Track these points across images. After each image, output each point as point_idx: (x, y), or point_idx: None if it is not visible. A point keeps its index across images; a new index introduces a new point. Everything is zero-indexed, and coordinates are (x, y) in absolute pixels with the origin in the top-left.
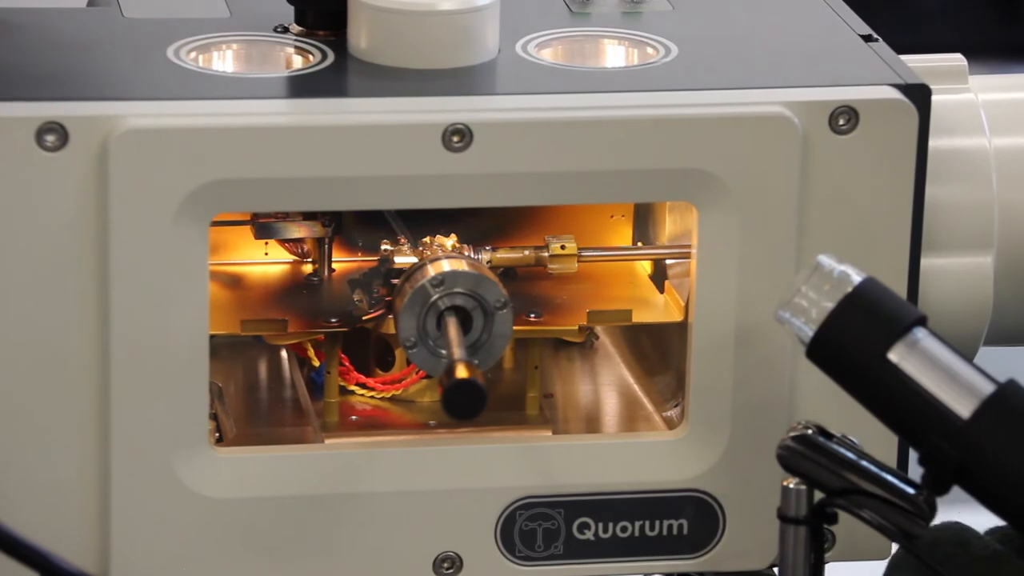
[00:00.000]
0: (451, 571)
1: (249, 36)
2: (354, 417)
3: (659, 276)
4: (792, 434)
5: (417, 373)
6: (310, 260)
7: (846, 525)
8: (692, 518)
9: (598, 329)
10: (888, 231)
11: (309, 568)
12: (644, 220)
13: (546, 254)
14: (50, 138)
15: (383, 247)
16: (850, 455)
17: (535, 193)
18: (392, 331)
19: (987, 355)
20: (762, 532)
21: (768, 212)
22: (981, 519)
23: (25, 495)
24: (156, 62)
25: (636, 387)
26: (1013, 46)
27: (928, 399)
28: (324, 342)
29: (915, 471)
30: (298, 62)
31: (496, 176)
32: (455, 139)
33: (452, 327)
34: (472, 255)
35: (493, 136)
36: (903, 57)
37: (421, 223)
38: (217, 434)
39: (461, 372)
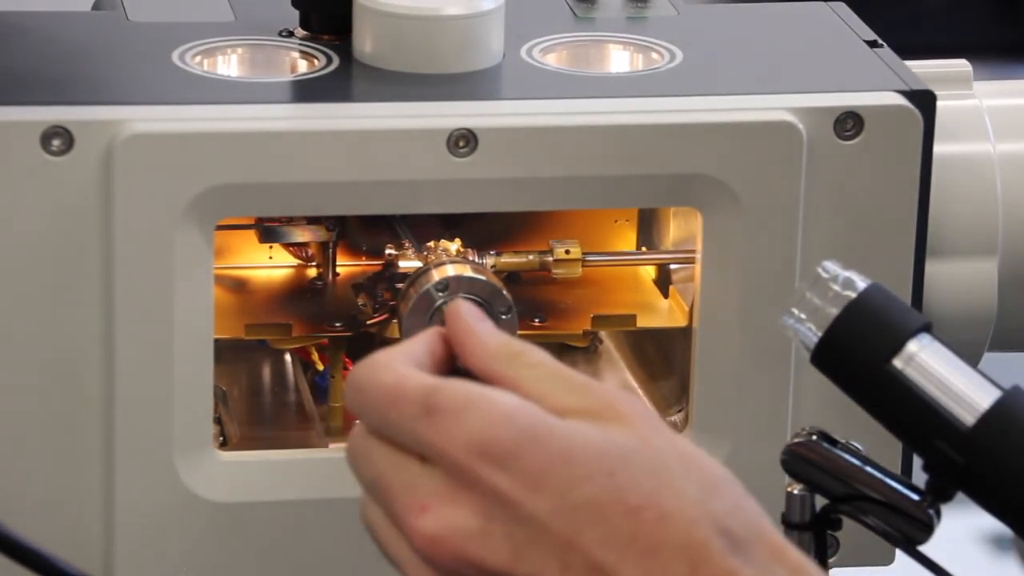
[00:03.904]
0: None
1: (254, 40)
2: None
3: (663, 281)
4: (796, 440)
5: None
6: (314, 264)
7: (850, 531)
8: None
9: (602, 334)
10: (892, 237)
11: (312, 572)
12: (648, 225)
13: (550, 259)
14: (55, 142)
15: (387, 251)
16: (854, 461)
17: (540, 198)
18: (396, 335)
19: (991, 361)
20: None
21: (773, 218)
22: (983, 521)
23: (29, 498)
24: (161, 66)
25: (640, 392)
26: (1015, 46)
27: (932, 405)
28: (328, 346)
29: (919, 477)
30: (303, 66)
31: (501, 181)
32: (460, 144)
33: None
34: (476, 260)
35: (498, 141)
36: (908, 63)
37: (425, 227)
38: (221, 438)
39: None
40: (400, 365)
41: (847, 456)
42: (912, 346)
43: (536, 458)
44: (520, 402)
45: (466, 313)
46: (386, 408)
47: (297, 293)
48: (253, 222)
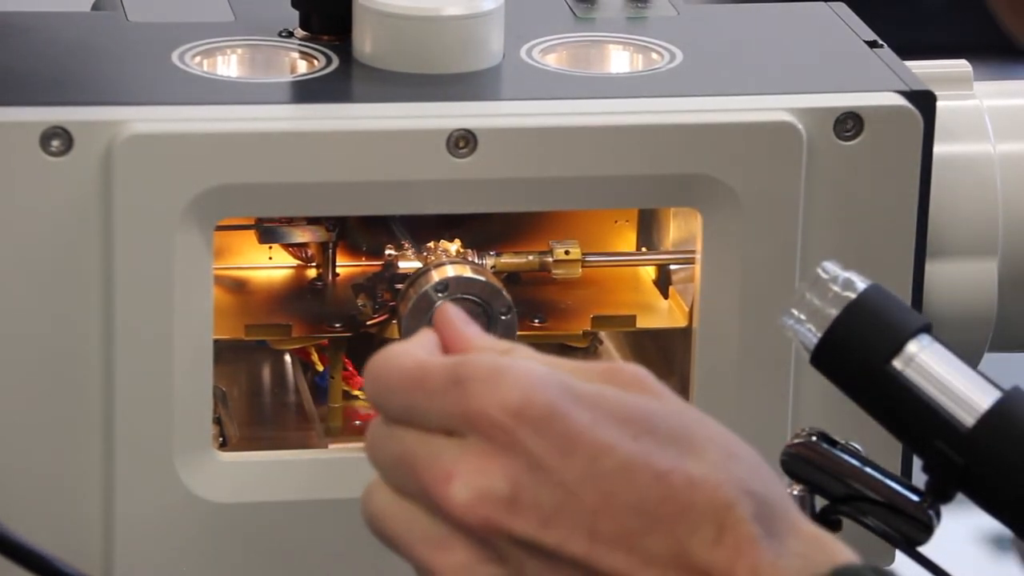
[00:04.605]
0: None
1: (253, 41)
2: (358, 422)
3: (663, 281)
4: (796, 440)
5: None
6: (314, 265)
7: (850, 531)
8: None
9: (602, 334)
10: (893, 237)
11: (312, 572)
12: (648, 225)
13: (550, 259)
14: (55, 143)
15: (387, 252)
16: (854, 462)
17: (539, 198)
18: (396, 336)
19: (991, 361)
20: None
21: (773, 218)
22: (983, 521)
23: (29, 499)
24: (160, 66)
25: None
26: (1015, 46)
27: (932, 406)
28: (328, 347)
29: (919, 478)
30: (302, 67)
31: (500, 181)
32: (460, 144)
33: None
34: (476, 260)
35: (498, 141)
36: (908, 63)
37: (425, 228)
38: (221, 439)
39: None
40: (417, 351)
41: (847, 457)
42: (912, 347)
43: (568, 422)
44: (549, 369)
45: (454, 316)
46: (411, 390)
47: (297, 294)
48: (253, 223)
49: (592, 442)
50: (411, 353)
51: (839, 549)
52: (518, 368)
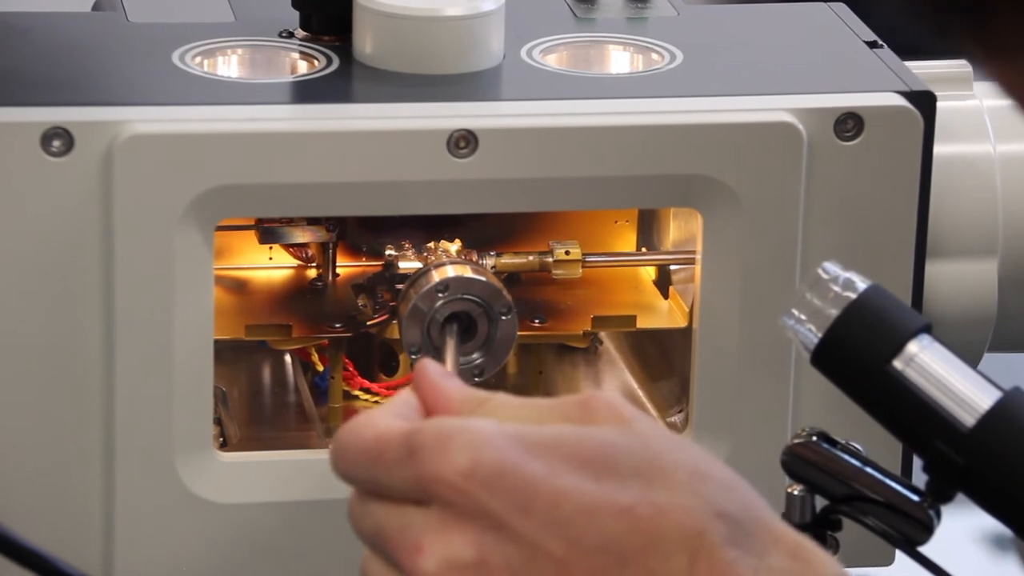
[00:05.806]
0: None
1: (254, 41)
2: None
3: (663, 282)
4: (796, 440)
5: None
6: (314, 265)
7: (850, 532)
8: None
9: (602, 334)
10: (893, 238)
11: (312, 573)
12: (648, 225)
13: (550, 259)
14: (56, 143)
15: (387, 252)
16: (854, 462)
17: (540, 199)
18: (396, 336)
19: (991, 361)
20: None
21: (773, 218)
22: (983, 521)
23: (29, 499)
24: (161, 67)
25: (640, 392)
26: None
27: (932, 406)
28: (328, 347)
29: (919, 478)
30: (303, 67)
31: (501, 182)
32: (460, 144)
33: (449, 344)
34: (477, 260)
35: (498, 142)
36: (908, 63)
37: (425, 228)
38: (221, 439)
39: None
40: (379, 421)
41: (847, 457)
42: (912, 347)
43: (521, 475)
44: (499, 425)
45: (431, 371)
46: (371, 464)
47: (297, 294)
48: (253, 223)
49: (550, 491)
50: (371, 425)
51: (825, 562)
52: (467, 429)
